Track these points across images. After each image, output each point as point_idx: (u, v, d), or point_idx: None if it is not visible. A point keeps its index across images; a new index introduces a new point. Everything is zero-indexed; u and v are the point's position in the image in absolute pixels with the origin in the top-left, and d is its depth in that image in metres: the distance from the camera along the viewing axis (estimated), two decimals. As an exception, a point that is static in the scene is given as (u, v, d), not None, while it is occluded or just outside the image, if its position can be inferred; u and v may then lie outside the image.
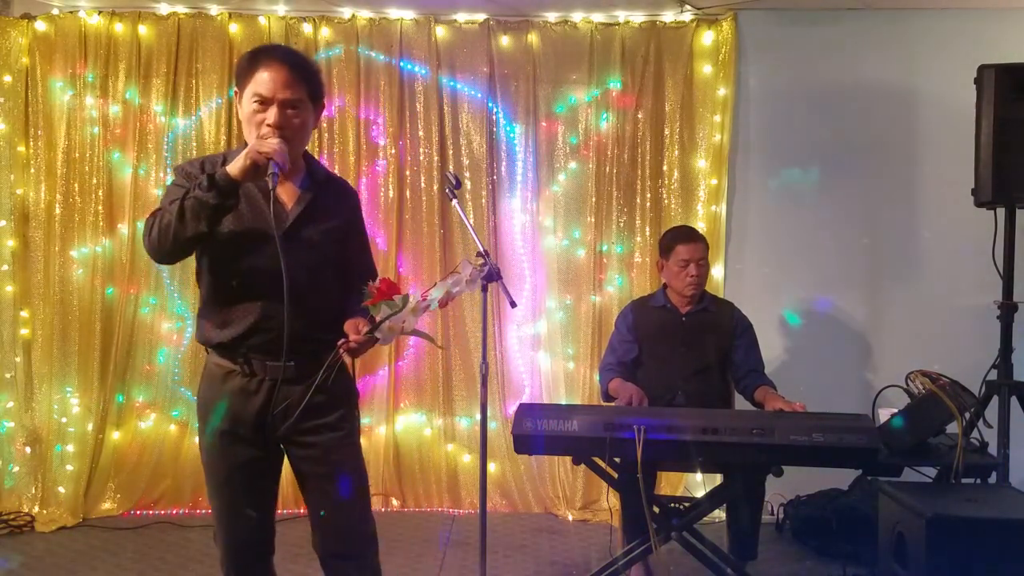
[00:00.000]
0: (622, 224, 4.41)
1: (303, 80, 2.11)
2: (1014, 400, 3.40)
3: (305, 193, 2.19)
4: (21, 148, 4.33)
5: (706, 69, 4.35)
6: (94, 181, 4.31)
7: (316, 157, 4.19)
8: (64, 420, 4.28)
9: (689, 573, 3.41)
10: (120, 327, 4.31)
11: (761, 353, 3.47)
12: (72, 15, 4.32)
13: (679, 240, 3.44)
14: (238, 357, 2.13)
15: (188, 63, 4.34)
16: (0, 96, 4.31)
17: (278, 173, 1.99)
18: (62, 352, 4.29)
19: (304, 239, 2.14)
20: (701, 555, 2.95)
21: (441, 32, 4.40)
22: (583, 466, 2.91)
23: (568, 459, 3.24)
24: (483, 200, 4.41)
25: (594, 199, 4.40)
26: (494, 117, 4.43)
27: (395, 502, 4.44)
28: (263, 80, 2.07)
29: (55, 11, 4.33)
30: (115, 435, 4.34)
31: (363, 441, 4.04)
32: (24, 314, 4.32)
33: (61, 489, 4.22)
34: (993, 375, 3.45)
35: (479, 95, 4.41)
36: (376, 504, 4.26)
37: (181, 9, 4.34)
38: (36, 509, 4.20)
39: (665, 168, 4.38)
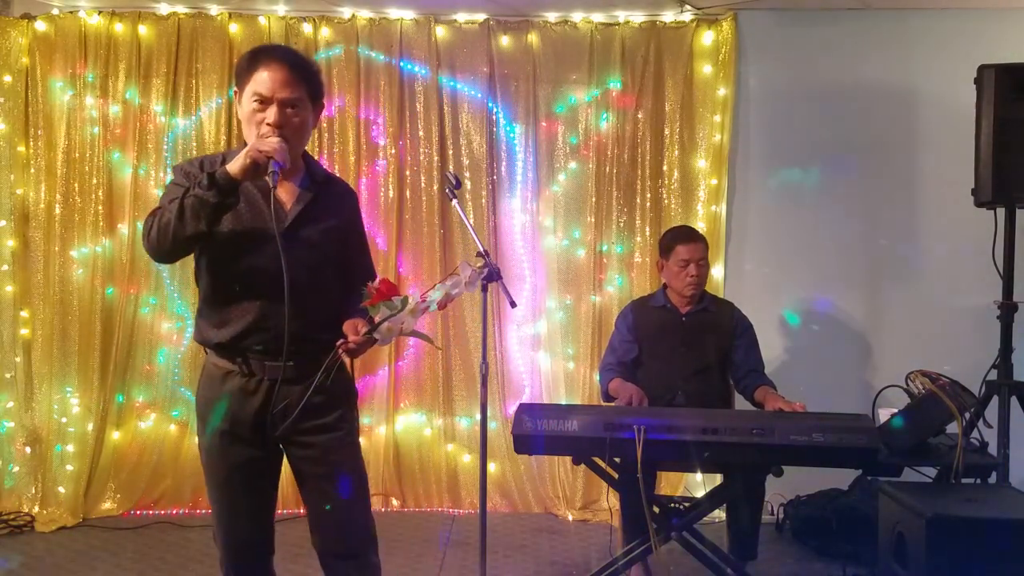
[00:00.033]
0: (622, 224, 4.41)
1: (303, 80, 2.12)
2: (1014, 400, 3.40)
3: (304, 193, 2.19)
4: (21, 148, 4.33)
5: (706, 69, 4.35)
6: (94, 181, 4.31)
7: (316, 157, 4.21)
8: (64, 420, 4.28)
9: (689, 573, 3.41)
10: (120, 327, 4.31)
11: (761, 353, 3.47)
12: (72, 15, 4.32)
13: (679, 240, 3.44)
14: (237, 357, 2.13)
15: (188, 63, 4.34)
16: (0, 96, 4.31)
17: (278, 172, 1.99)
18: (62, 352, 4.29)
19: (303, 239, 2.14)
20: (701, 555, 2.94)
21: (441, 32, 4.40)
22: (583, 466, 2.90)
23: (568, 459, 3.24)
24: (483, 200, 4.41)
25: (594, 199, 4.40)
26: (494, 117, 4.43)
27: (395, 502, 4.44)
28: (263, 79, 2.07)
29: (55, 11, 4.33)
30: (115, 435, 4.34)
31: (363, 441, 4.04)
32: (24, 314, 4.33)
33: (61, 489, 4.22)
34: (993, 375, 3.45)
35: (479, 95, 4.41)
36: (376, 504, 4.26)
37: (181, 9, 4.34)
38: (36, 509, 4.20)
39: (665, 168, 4.38)
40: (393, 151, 4.40)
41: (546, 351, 4.45)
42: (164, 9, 4.34)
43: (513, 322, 4.43)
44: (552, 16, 4.39)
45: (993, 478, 3.08)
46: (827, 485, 4.06)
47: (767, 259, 4.41)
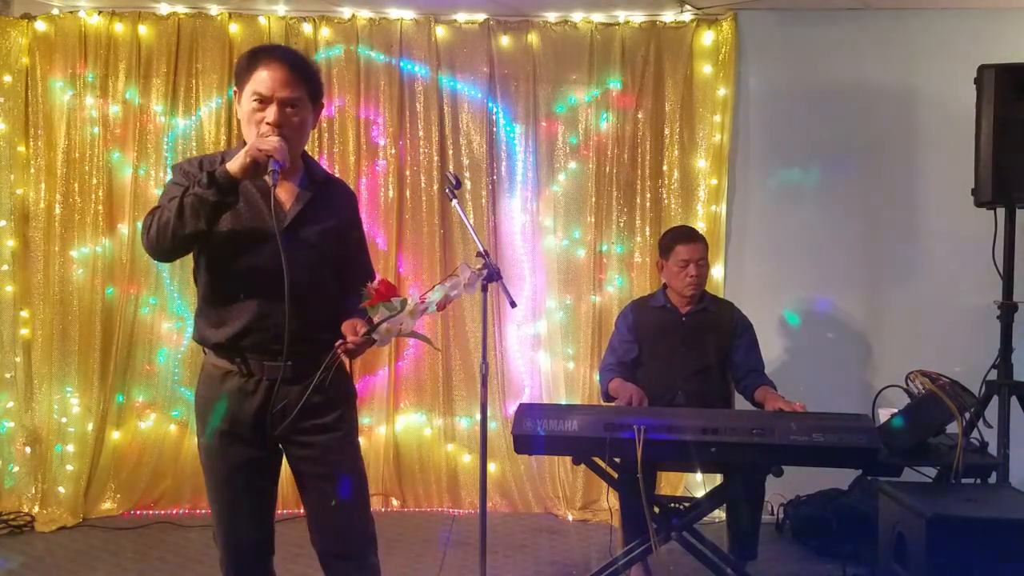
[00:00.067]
0: (622, 224, 4.41)
1: (302, 79, 2.12)
2: (1014, 400, 3.41)
3: (304, 193, 2.19)
4: (21, 148, 4.33)
5: (706, 69, 4.35)
6: (94, 181, 4.31)
7: (316, 157, 4.22)
8: (64, 420, 4.28)
9: (689, 573, 3.41)
10: (120, 327, 4.31)
11: (761, 353, 3.47)
12: (72, 15, 4.32)
13: (679, 240, 3.43)
14: (235, 357, 2.13)
15: (188, 63, 4.34)
16: (0, 96, 4.31)
17: (278, 171, 1.99)
18: (62, 352, 4.29)
19: (302, 238, 2.14)
20: (701, 555, 2.95)
21: (441, 32, 4.40)
22: (583, 466, 2.91)
23: (568, 459, 3.24)
24: (483, 200, 4.41)
25: (594, 199, 4.40)
26: (494, 117, 4.43)
27: (395, 502, 4.44)
28: (262, 79, 2.07)
29: (55, 11, 4.33)
30: (115, 435, 4.34)
31: (363, 441, 4.05)
32: (24, 314, 4.33)
33: (61, 489, 4.22)
34: (993, 375, 3.45)
35: (479, 95, 4.41)
36: (376, 504, 4.27)
37: (181, 9, 4.34)
38: (36, 509, 4.20)
39: (665, 168, 4.38)
40: (393, 151, 4.40)
41: (546, 351, 4.45)
42: (164, 9, 4.34)
43: (513, 322, 4.43)
44: (552, 16, 4.39)
45: (993, 478, 3.08)
46: (827, 485, 4.06)
47: (767, 259, 4.41)
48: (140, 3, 4.33)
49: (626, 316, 3.54)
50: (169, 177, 2.23)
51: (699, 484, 4.15)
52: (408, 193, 4.43)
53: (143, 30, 4.33)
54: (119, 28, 4.32)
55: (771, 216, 4.41)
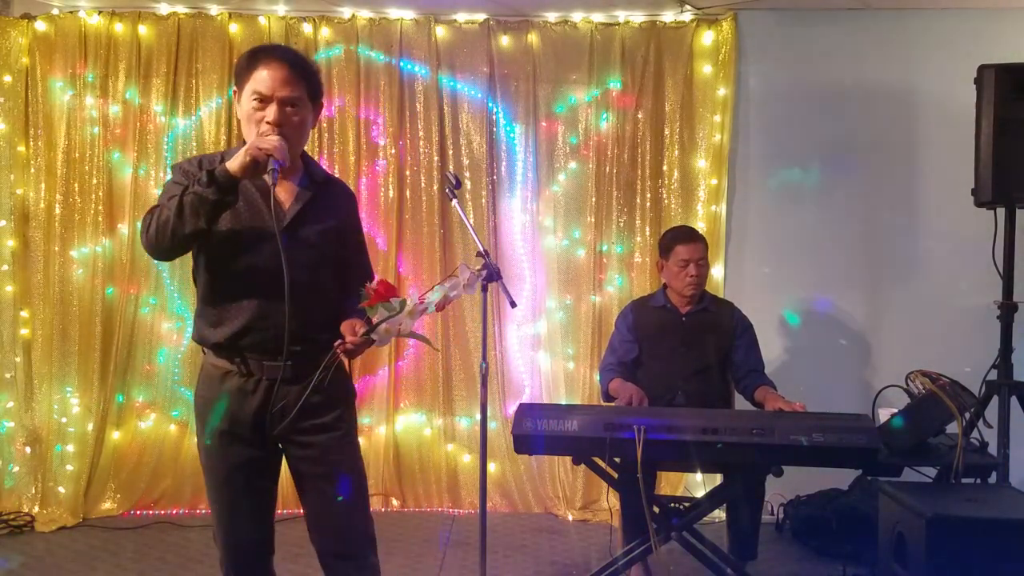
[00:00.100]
0: (622, 224, 4.41)
1: (302, 79, 2.12)
2: (1014, 400, 3.40)
3: (303, 192, 2.18)
4: (21, 148, 4.33)
5: (706, 69, 4.35)
6: (94, 181, 4.31)
7: (316, 157, 4.22)
8: (64, 420, 4.28)
9: (689, 573, 3.41)
10: (120, 327, 4.31)
11: (761, 353, 3.47)
12: (72, 15, 4.32)
13: (679, 240, 3.43)
14: (235, 357, 2.13)
15: (188, 63, 4.34)
16: (0, 96, 4.31)
17: (278, 170, 1.99)
18: (62, 352, 4.29)
19: (301, 238, 2.14)
20: (701, 555, 2.94)
21: (441, 32, 4.40)
22: (583, 466, 2.90)
23: (568, 459, 3.23)
24: (483, 200, 4.41)
25: (594, 199, 4.40)
26: (494, 117, 4.43)
27: (395, 502, 4.44)
28: (262, 78, 2.08)
29: (55, 11, 4.33)
30: (115, 435, 4.34)
31: (363, 441, 4.05)
32: (24, 314, 4.33)
33: (61, 489, 4.22)
34: (993, 375, 3.45)
35: (479, 95, 4.41)
36: (376, 504, 4.27)
37: (181, 9, 4.34)
38: (36, 509, 4.20)
39: (665, 168, 4.38)
40: (393, 151, 4.40)
41: (546, 351, 4.45)
42: (164, 9, 4.34)
43: (513, 322, 4.43)
44: (552, 16, 4.39)
45: (993, 478, 3.08)
46: (827, 485, 4.06)
47: (767, 259, 4.41)
48: (140, 3, 4.33)
49: (626, 316, 3.54)
50: (169, 177, 2.22)
51: (699, 484, 4.15)
52: (408, 193, 4.43)
53: (143, 30, 4.33)
54: (119, 28, 4.32)
55: (771, 216, 4.41)
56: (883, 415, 2.99)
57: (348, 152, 4.39)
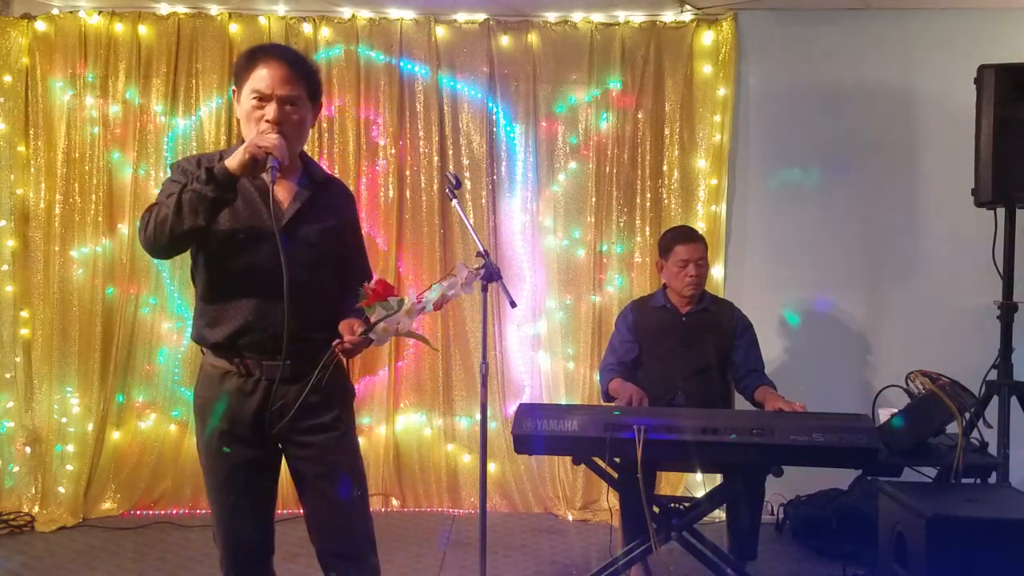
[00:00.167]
0: (622, 224, 4.41)
1: (302, 78, 2.12)
2: (1014, 400, 3.40)
3: (302, 191, 2.18)
4: (21, 148, 4.33)
5: (706, 69, 4.35)
6: (94, 181, 4.31)
7: (316, 157, 4.22)
8: (64, 420, 4.28)
9: (689, 573, 3.41)
10: (120, 327, 4.31)
11: (761, 353, 3.47)
12: (72, 15, 4.32)
13: (678, 240, 3.43)
14: (234, 357, 2.13)
15: (188, 63, 4.34)
16: (0, 96, 4.31)
17: (277, 168, 1.99)
18: (62, 352, 4.29)
19: (300, 237, 2.14)
20: (701, 555, 2.94)
21: (441, 32, 4.40)
22: (583, 466, 2.90)
23: (568, 459, 3.23)
24: (483, 200, 4.41)
25: (594, 199, 4.40)
26: (494, 117, 4.43)
27: (395, 502, 4.44)
28: (262, 77, 2.08)
29: (55, 11, 4.33)
30: (115, 435, 4.34)
31: (363, 441, 4.04)
32: (24, 314, 4.33)
33: (61, 489, 4.22)
34: (993, 375, 3.45)
35: (479, 95, 4.41)
36: (376, 504, 4.27)
37: (181, 9, 4.34)
38: (36, 509, 4.20)
39: (665, 168, 4.38)
40: (393, 151, 4.40)
41: (546, 351, 4.45)
42: (164, 9, 4.34)
43: (513, 322, 4.43)
44: (552, 16, 4.39)
45: (993, 478, 3.08)
46: (827, 485, 4.06)
47: (767, 259, 4.41)
48: (140, 3, 4.33)
49: (626, 316, 3.54)
50: (168, 175, 2.22)
51: (699, 484, 4.15)
52: (408, 193, 4.43)
53: (143, 30, 4.33)
54: (119, 28, 4.32)
55: (771, 216, 4.41)
56: (883, 415, 2.99)
57: (348, 152, 4.39)
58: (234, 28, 4.36)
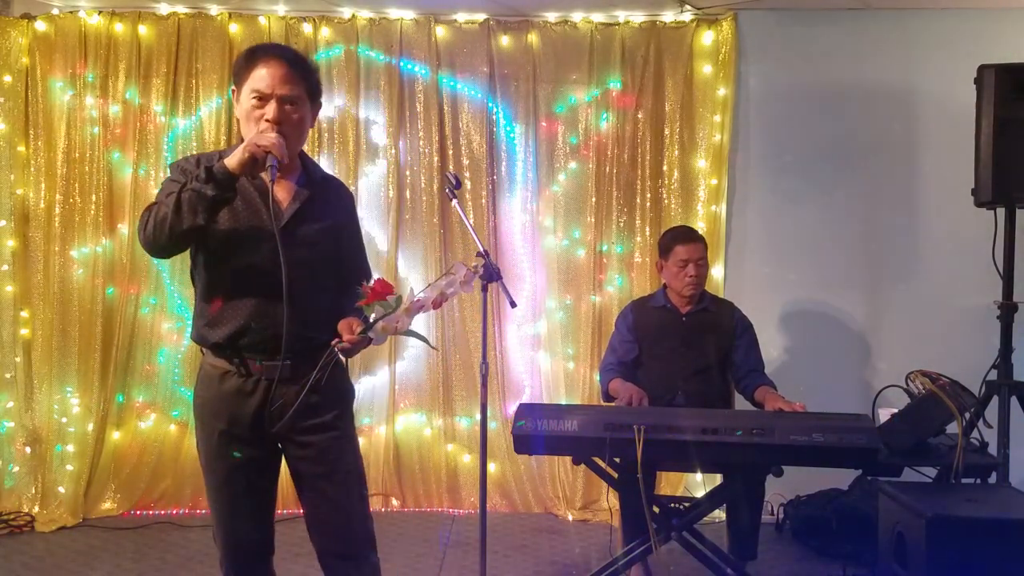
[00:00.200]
0: (622, 224, 4.40)
1: (301, 77, 2.12)
2: (1014, 400, 3.41)
3: (301, 191, 2.18)
4: (21, 148, 4.33)
5: (706, 69, 4.35)
6: (94, 181, 4.31)
7: (316, 157, 4.22)
8: (64, 420, 4.28)
9: (689, 573, 3.41)
10: (120, 327, 4.31)
11: (761, 353, 3.47)
12: (72, 15, 4.32)
13: (678, 240, 3.44)
14: (234, 357, 2.13)
15: (188, 63, 4.34)
16: (0, 96, 4.31)
17: (276, 166, 1.99)
18: (62, 352, 4.29)
19: (300, 237, 2.13)
20: (701, 555, 2.94)
21: (441, 32, 4.40)
22: (583, 466, 2.90)
23: (568, 459, 3.23)
24: (483, 200, 4.41)
25: (594, 199, 4.40)
26: (494, 117, 4.43)
27: (395, 502, 4.44)
28: (261, 76, 2.08)
29: (55, 11, 4.33)
30: (115, 435, 4.34)
31: (363, 441, 4.04)
32: (24, 314, 4.33)
33: (61, 489, 4.22)
34: (993, 375, 3.45)
35: (479, 95, 4.41)
36: (376, 504, 4.27)
37: (181, 9, 4.34)
38: (36, 509, 4.20)
39: (665, 168, 4.38)
40: (393, 151, 4.40)
41: (546, 351, 4.45)
42: (164, 9, 4.34)
43: (513, 322, 4.43)
44: (552, 16, 4.39)
45: (993, 478, 3.08)
46: (827, 485, 4.06)
47: (767, 259, 4.41)
48: (140, 3, 4.33)
49: (626, 316, 3.54)
50: (167, 175, 2.22)
51: (699, 484, 4.15)
52: (408, 193, 4.43)
53: (143, 30, 4.33)
54: (119, 28, 4.32)
55: (771, 216, 4.41)
56: (883, 415, 2.99)
57: (348, 152, 4.39)
58: (234, 28, 4.36)
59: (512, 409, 4.14)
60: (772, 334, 4.31)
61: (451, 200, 3.20)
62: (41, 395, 4.28)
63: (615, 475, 2.89)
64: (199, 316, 2.18)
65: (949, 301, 4.27)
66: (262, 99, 2.08)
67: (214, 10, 4.35)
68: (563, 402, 4.32)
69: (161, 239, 2.00)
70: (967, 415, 2.93)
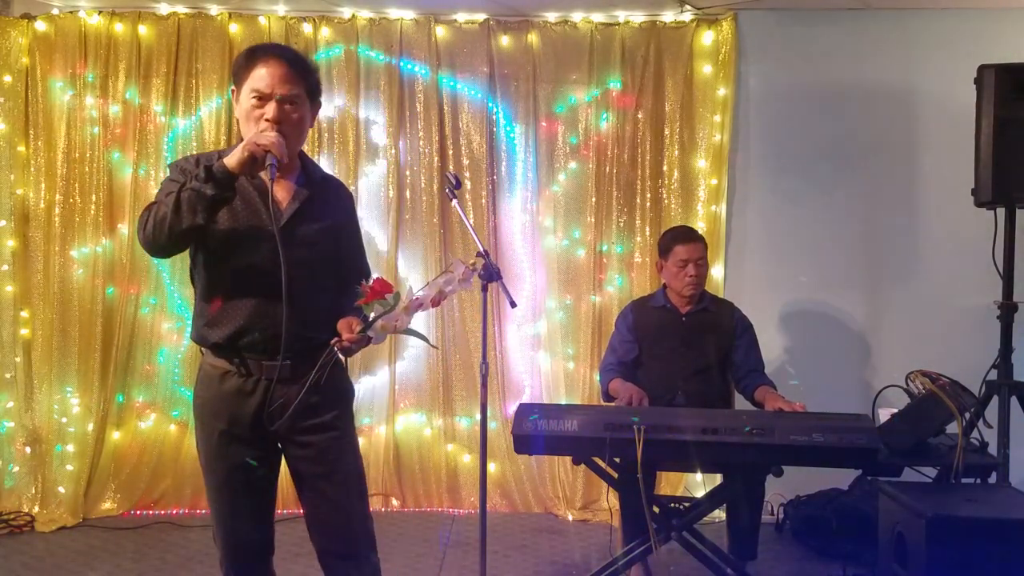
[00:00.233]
0: (622, 224, 4.40)
1: (301, 76, 2.12)
2: (1014, 400, 3.41)
3: (301, 191, 2.18)
4: (21, 148, 4.33)
5: (706, 69, 4.35)
6: (94, 181, 4.31)
7: (315, 157, 4.23)
8: (64, 420, 4.28)
9: (689, 573, 3.41)
10: (120, 327, 4.31)
11: (761, 353, 3.47)
12: (72, 15, 4.32)
13: (678, 240, 3.44)
14: (234, 357, 2.13)
15: (188, 63, 4.34)
16: (0, 96, 4.31)
17: (276, 166, 1.99)
18: (62, 352, 4.29)
19: (299, 236, 2.13)
20: (701, 555, 2.95)
21: (441, 32, 4.40)
22: (583, 466, 2.90)
23: (568, 459, 3.24)
24: (483, 200, 4.41)
25: (594, 199, 4.40)
26: (494, 117, 4.43)
27: (395, 502, 4.44)
28: (261, 76, 2.08)
29: (55, 11, 4.33)
30: (115, 435, 4.34)
31: (363, 441, 4.04)
32: (24, 314, 4.33)
33: (61, 489, 4.22)
34: (993, 375, 3.45)
35: (479, 95, 4.41)
36: (376, 504, 4.27)
37: (181, 9, 4.34)
38: (36, 509, 4.20)
39: (665, 168, 4.38)
40: (393, 151, 4.40)
41: (546, 351, 4.45)
42: (164, 9, 4.34)
43: (513, 322, 4.43)
44: (552, 16, 4.39)
45: (993, 478, 3.08)
46: (827, 485, 4.06)
47: (767, 259, 4.41)
48: (140, 3, 4.33)
49: (626, 316, 3.54)
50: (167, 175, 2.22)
51: (699, 484, 4.15)
52: (408, 193, 4.43)
53: (143, 30, 4.33)
54: (119, 28, 4.32)
55: (771, 216, 4.41)
56: (883, 415, 3.00)
57: (348, 152, 4.39)
58: (234, 28, 4.36)
59: (512, 409, 4.14)
60: (772, 334, 4.31)
61: (451, 200, 3.20)
62: (41, 395, 4.28)
63: (615, 475, 2.89)
64: (199, 316, 2.18)
65: (949, 301, 4.27)
66: (262, 99, 2.08)
67: (214, 10, 4.35)
68: (563, 402, 4.32)
69: (160, 239, 2.00)
70: (967, 415, 2.93)
